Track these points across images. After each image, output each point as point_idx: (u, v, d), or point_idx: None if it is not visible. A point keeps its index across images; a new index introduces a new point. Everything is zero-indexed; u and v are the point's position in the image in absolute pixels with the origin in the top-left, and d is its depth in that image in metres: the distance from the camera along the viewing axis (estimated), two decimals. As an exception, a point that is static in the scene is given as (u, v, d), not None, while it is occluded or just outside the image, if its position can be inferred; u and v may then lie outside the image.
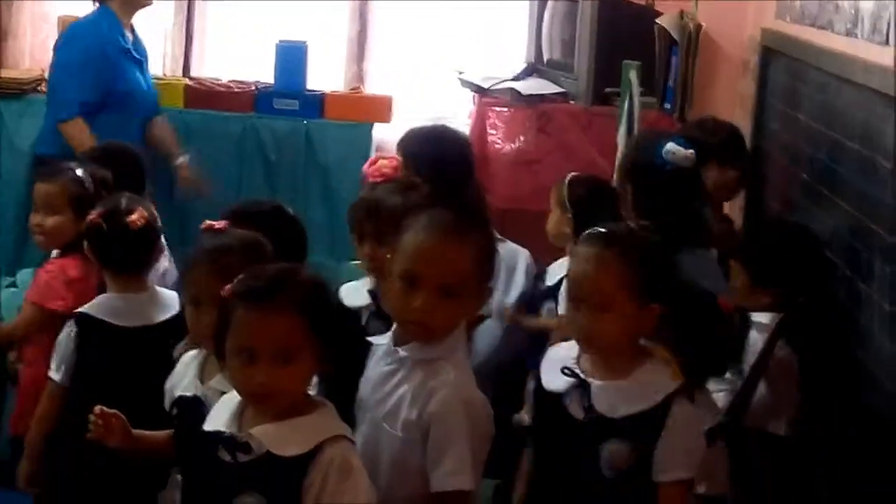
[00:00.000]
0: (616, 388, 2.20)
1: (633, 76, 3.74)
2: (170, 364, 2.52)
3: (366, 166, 2.98)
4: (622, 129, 3.77)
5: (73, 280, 3.11)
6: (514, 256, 3.48)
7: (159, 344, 2.68)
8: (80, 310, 2.89)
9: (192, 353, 2.45)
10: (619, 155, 3.91)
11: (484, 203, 3.51)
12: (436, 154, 3.37)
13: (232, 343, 2.01)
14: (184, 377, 2.42)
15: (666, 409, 2.18)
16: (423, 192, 2.84)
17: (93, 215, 2.92)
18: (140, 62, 4.45)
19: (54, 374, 2.87)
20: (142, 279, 2.93)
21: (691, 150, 2.88)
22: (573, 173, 3.45)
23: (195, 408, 2.30)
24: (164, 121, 4.54)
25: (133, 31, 4.48)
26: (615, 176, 3.19)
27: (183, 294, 2.47)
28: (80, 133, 4.25)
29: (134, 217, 2.89)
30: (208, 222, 2.49)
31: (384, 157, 2.97)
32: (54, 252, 3.27)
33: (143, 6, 4.44)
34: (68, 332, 2.86)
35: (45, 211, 3.20)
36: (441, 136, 3.60)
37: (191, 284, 2.40)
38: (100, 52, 4.34)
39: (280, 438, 1.99)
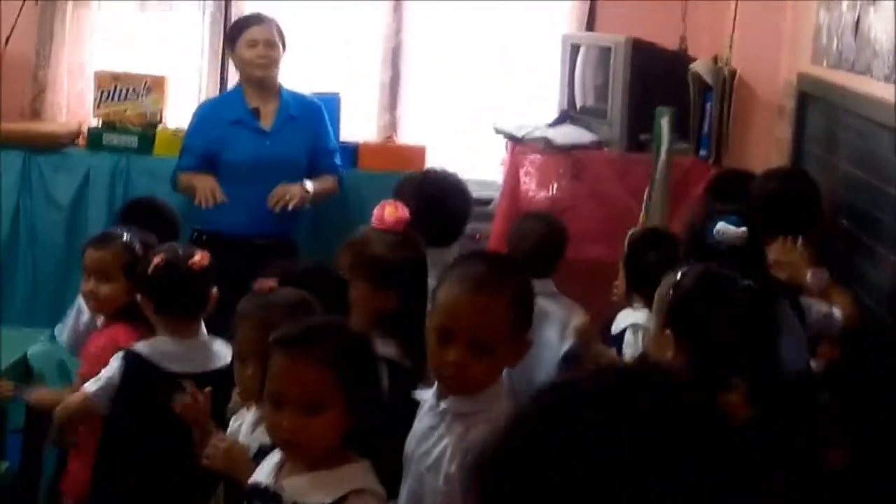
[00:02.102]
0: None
1: (664, 123, 3.73)
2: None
3: (376, 209, 3.01)
4: (656, 177, 3.75)
5: None
6: (568, 312, 3.50)
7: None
8: (131, 347, 2.92)
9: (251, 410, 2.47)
10: (648, 200, 3.91)
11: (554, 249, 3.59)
12: (432, 200, 3.45)
13: (266, 388, 2.05)
14: (237, 433, 2.46)
15: None
16: (413, 251, 2.89)
17: (156, 260, 2.95)
18: (265, 133, 4.44)
19: (90, 387, 2.92)
20: (195, 325, 2.95)
21: (743, 228, 2.81)
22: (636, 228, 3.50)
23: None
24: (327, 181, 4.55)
25: (284, 102, 4.48)
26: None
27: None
28: (181, 181, 4.43)
29: (196, 258, 2.93)
30: (260, 281, 2.51)
31: (394, 206, 2.98)
32: (100, 318, 3.28)
33: (256, 79, 4.45)
34: (116, 363, 2.90)
35: (97, 278, 3.21)
36: (436, 182, 3.69)
37: (237, 340, 2.43)
38: (199, 122, 4.49)
39: (309, 490, 2.01)
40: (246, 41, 4.41)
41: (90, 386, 2.93)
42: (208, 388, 2.55)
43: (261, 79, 4.46)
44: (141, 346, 2.92)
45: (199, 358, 2.89)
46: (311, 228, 4.72)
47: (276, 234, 4.36)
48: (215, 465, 2.31)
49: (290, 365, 2.02)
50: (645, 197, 3.94)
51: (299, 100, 4.55)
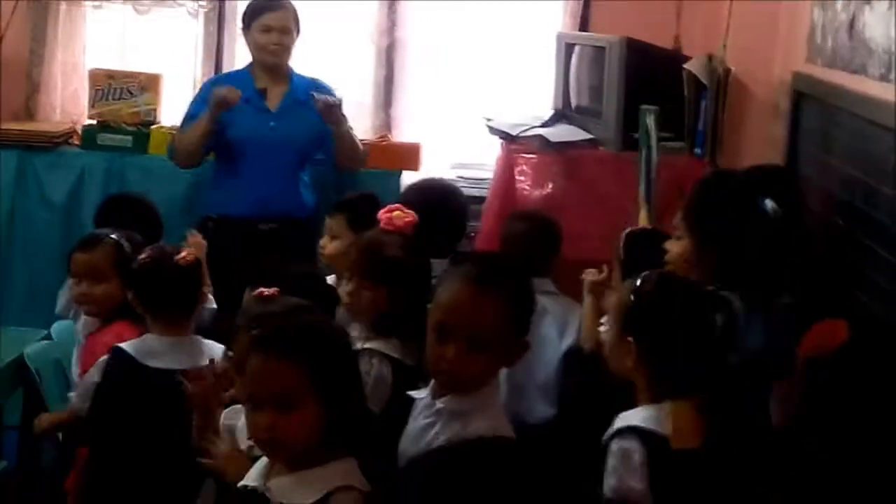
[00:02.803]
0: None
1: (650, 122, 3.75)
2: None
3: (383, 212, 3.03)
4: (651, 176, 3.76)
5: None
6: (567, 310, 3.52)
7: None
8: (118, 345, 2.93)
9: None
10: (642, 205, 3.91)
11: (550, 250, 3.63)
12: (436, 211, 3.47)
13: (243, 390, 2.09)
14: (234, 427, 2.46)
15: None
16: (422, 253, 2.94)
17: (142, 256, 2.97)
18: (270, 113, 4.44)
19: (75, 398, 2.99)
20: (185, 324, 2.96)
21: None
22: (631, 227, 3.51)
23: None
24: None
25: (294, 85, 4.47)
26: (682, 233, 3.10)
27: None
28: (179, 140, 4.43)
29: (183, 254, 2.95)
30: (260, 289, 2.52)
31: (401, 210, 3.00)
32: (90, 319, 3.28)
33: (266, 64, 4.46)
34: (100, 362, 2.93)
35: (89, 280, 3.23)
36: (442, 194, 3.77)
37: (235, 350, 2.43)
38: (204, 96, 4.44)
39: (294, 489, 2.03)
40: (261, 25, 4.41)
41: (71, 394, 2.97)
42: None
43: (272, 64, 4.46)
44: (127, 344, 2.93)
45: (185, 354, 2.90)
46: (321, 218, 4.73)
47: (285, 214, 4.36)
48: (210, 465, 2.32)
49: (262, 364, 2.03)
50: (642, 196, 3.94)
51: (309, 84, 4.53)
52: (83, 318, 3.39)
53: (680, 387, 2.32)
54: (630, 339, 2.35)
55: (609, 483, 2.25)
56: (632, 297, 2.39)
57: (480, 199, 4.48)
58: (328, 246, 3.59)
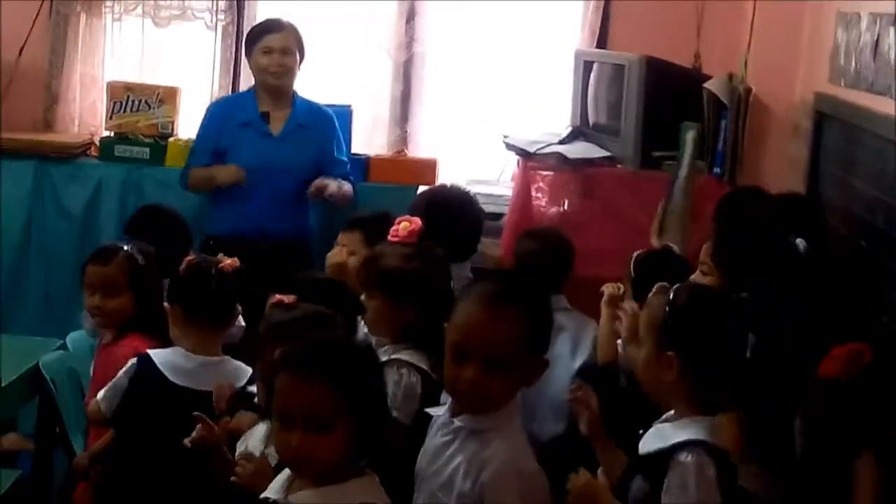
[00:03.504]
0: None
1: (689, 138, 3.75)
2: None
3: (395, 223, 3.03)
4: (677, 193, 3.74)
5: None
6: (581, 326, 3.50)
7: (207, 410, 2.67)
8: (147, 351, 2.93)
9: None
10: (663, 216, 3.90)
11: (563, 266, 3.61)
12: (443, 214, 3.46)
13: (273, 407, 2.05)
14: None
15: None
16: (429, 262, 2.90)
17: (189, 260, 2.98)
18: (273, 137, 4.45)
19: (101, 400, 2.95)
20: (216, 340, 2.94)
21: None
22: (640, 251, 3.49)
23: None
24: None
25: (297, 109, 4.49)
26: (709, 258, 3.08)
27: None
28: (193, 176, 4.46)
29: (228, 262, 2.95)
30: (278, 297, 2.51)
31: (408, 220, 2.99)
32: (106, 332, 3.27)
33: (270, 87, 4.46)
34: (128, 367, 2.92)
35: (103, 293, 3.22)
36: (447, 197, 3.73)
37: (257, 359, 2.42)
38: (210, 121, 4.51)
39: None
40: (262, 48, 4.42)
41: (100, 398, 2.95)
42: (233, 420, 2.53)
43: (275, 87, 4.46)
44: (155, 354, 2.92)
45: (209, 376, 2.88)
46: (319, 239, 4.73)
47: (285, 236, 4.36)
48: (243, 482, 2.31)
49: (294, 384, 2.02)
50: (659, 212, 3.93)
51: (312, 108, 4.55)
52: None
53: (724, 399, 2.31)
54: (670, 353, 2.33)
55: (681, 498, 2.20)
56: (667, 311, 2.37)
57: (496, 216, 4.46)
58: (344, 259, 3.54)
